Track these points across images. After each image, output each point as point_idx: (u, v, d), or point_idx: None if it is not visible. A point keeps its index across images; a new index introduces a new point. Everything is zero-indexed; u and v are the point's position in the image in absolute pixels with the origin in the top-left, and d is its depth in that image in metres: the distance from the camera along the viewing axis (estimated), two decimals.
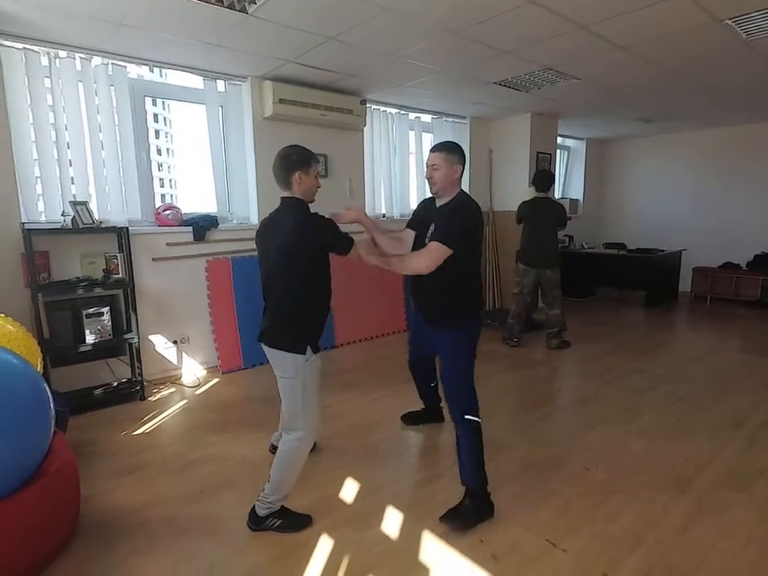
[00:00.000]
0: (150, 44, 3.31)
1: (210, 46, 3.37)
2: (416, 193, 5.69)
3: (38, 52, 3.22)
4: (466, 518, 2.06)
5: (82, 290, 3.30)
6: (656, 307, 6.45)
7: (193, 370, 4.06)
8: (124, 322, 3.58)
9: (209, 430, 3.04)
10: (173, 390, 3.75)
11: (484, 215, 6.22)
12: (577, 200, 7.85)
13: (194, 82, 4.03)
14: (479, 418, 2.20)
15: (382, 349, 4.74)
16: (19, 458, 1.78)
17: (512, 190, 6.00)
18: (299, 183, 2.01)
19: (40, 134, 3.30)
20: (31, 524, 1.78)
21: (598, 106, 5.46)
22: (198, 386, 3.83)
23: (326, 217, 2.02)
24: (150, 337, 3.83)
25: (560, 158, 7.70)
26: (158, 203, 4.02)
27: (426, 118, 5.66)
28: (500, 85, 4.47)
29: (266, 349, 2.07)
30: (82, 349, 3.28)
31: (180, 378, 3.97)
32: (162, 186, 43.62)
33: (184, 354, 4.05)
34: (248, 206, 4.40)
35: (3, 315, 2.59)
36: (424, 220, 2.30)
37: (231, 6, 2.72)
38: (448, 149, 2.19)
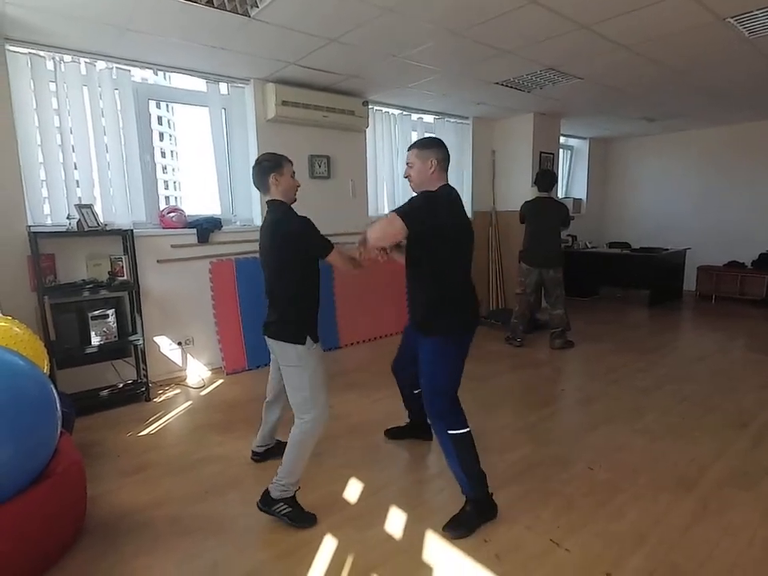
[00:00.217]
0: (154, 48, 3.34)
1: (212, 50, 3.39)
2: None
3: (43, 57, 3.26)
4: (469, 524, 2.05)
5: (88, 293, 3.33)
6: (660, 306, 6.42)
7: (197, 371, 4.09)
8: (129, 323, 3.61)
9: (213, 430, 3.06)
10: (178, 391, 3.77)
11: (486, 216, 6.31)
12: (580, 199, 7.83)
13: (197, 84, 4.06)
14: (463, 428, 2.07)
15: (385, 349, 4.74)
16: (27, 458, 1.80)
17: (515, 190, 5.99)
18: (276, 184, 2.17)
19: (45, 138, 3.34)
20: (38, 523, 1.80)
21: (601, 106, 5.45)
22: (203, 386, 3.85)
23: (307, 220, 2.13)
24: (155, 338, 3.86)
25: (563, 157, 7.69)
26: (162, 205, 4.05)
27: (429, 118, 5.67)
28: (502, 85, 4.48)
29: (269, 341, 2.22)
30: (88, 350, 3.32)
31: (185, 379, 4.00)
32: (167, 188, 43.86)
33: (189, 355, 4.07)
34: (251, 207, 4.42)
35: (10, 317, 2.61)
36: None
37: (234, 10, 2.75)
38: (421, 145, 2.11)
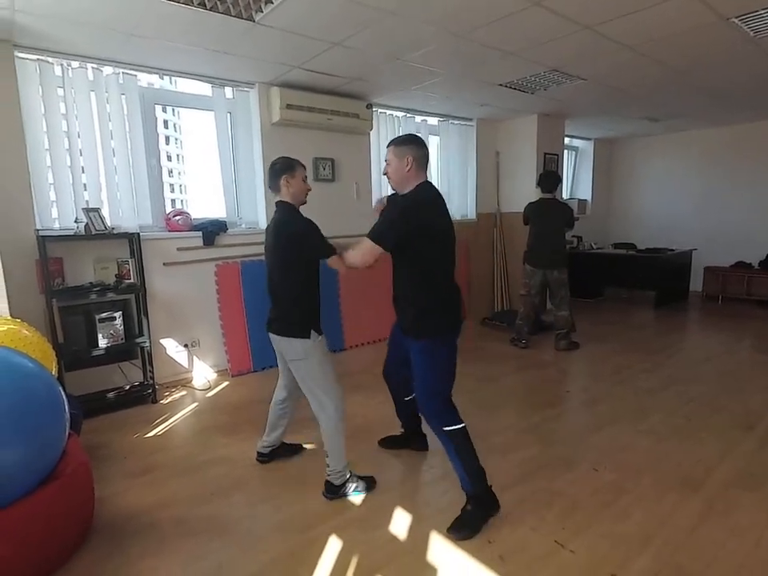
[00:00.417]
0: (160, 53, 3.38)
1: (217, 54, 3.42)
2: None
3: (51, 63, 3.30)
4: (472, 524, 2.04)
5: (95, 295, 3.36)
6: (666, 307, 6.39)
7: (203, 373, 4.11)
8: (136, 326, 3.64)
9: (219, 432, 3.08)
10: (184, 392, 3.80)
11: (491, 217, 6.32)
12: (585, 200, 7.79)
13: (203, 89, 4.10)
14: (458, 424, 2.08)
15: None
16: (35, 459, 1.82)
17: (519, 192, 5.99)
18: (287, 186, 2.27)
19: (53, 142, 3.38)
20: (47, 524, 1.82)
21: (604, 106, 5.44)
22: (209, 388, 3.87)
23: (311, 222, 2.20)
24: (162, 341, 3.89)
25: (568, 158, 7.68)
26: (169, 209, 4.09)
27: (433, 120, 5.68)
28: (506, 87, 4.48)
29: (274, 337, 2.32)
30: (95, 353, 3.34)
31: (191, 381, 4.02)
32: (172, 191, 44.16)
33: (194, 357, 4.10)
34: (256, 210, 4.45)
35: (19, 320, 2.65)
36: None
37: (239, 15, 2.77)
38: (398, 142, 2.09)
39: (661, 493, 2.28)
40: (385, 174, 2.16)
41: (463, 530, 2.03)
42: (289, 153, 4.43)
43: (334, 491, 2.30)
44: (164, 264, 3.85)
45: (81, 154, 3.50)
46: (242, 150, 4.32)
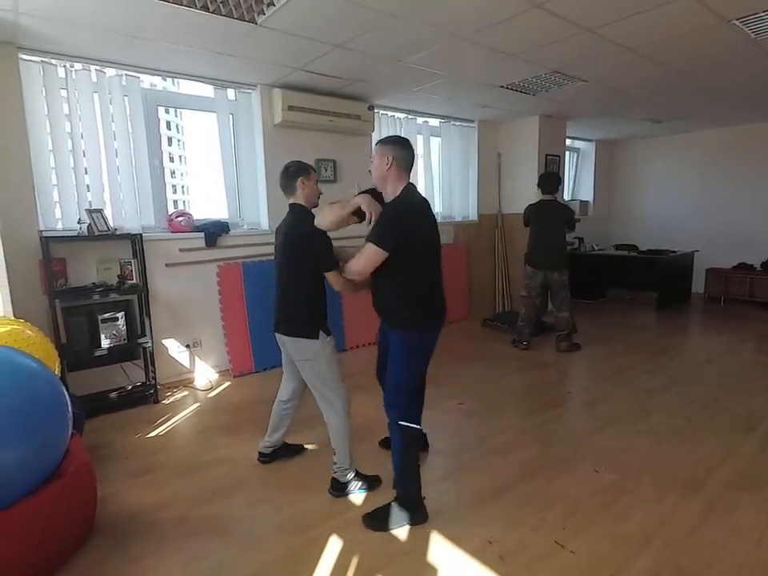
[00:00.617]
0: (163, 55, 3.40)
1: (220, 56, 3.44)
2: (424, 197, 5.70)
3: (54, 65, 3.33)
4: (386, 519, 2.07)
5: (98, 296, 3.38)
6: (668, 309, 6.38)
7: (205, 374, 4.12)
8: (138, 326, 3.65)
9: (221, 432, 3.09)
10: (185, 393, 3.81)
11: (492, 218, 6.32)
12: (587, 202, 7.81)
13: (205, 90, 4.12)
14: (414, 423, 2.12)
15: None
16: (38, 458, 1.83)
17: (521, 193, 6.00)
18: (303, 188, 2.34)
19: (57, 143, 3.41)
20: (49, 523, 1.83)
21: (606, 108, 5.45)
22: (210, 389, 3.89)
23: (325, 234, 2.21)
24: (164, 341, 3.90)
25: (569, 159, 7.68)
26: (171, 210, 4.11)
27: (434, 122, 5.69)
28: (507, 88, 4.49)
29: (282, 338, 2.35)
30: (98, 353, 3.36)
31: (192, 381, 4.03)
32: (175, 192, 44.21)
33: (196, 357, 4.11)
34: (258, 211, 4.46)
35: (23, 320, 2.67)
36: None
37: (241, 17, 2.79)
38: (383, 142, 2.15)
39: (661, 493, 2.28)
40: (369, 171, 2.21)
41: (376, 521, 2.08)
42: (291, 154, 4.46)
43: (340, 488, 2.33)
44: (166, 265, 3.86)
45: (84, 155, 3.52)
46: (244, 151, 4.34)
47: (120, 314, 3.43)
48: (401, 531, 2.06)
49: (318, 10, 2.72)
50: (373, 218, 2.12)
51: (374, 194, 2.21)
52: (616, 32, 3.15)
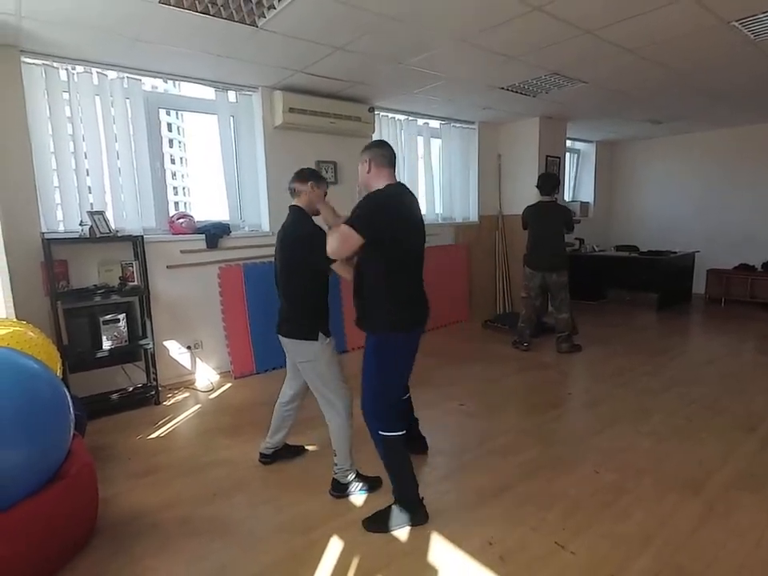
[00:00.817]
0: (164, 58, 3.41)
1: (221, 59, 3.46)
2: (424, 198, 5.72)
3: (56, 68, 3.34)
4: (386, 522, 2.07)
5: (99, 298, 3.40)
6: (669, 310, 6.38)
7: (206, 375, 4.13)
8: (139, 328, 3.66)
9: (222, 433, 3.10)
10: (187, 394, 3.82)
11: (493, 219, 6.32)
12: (587, 203, 7.82)
13: (206, 93, 4.13)
14: (395, 431, 2.08)
15: None
16: (41, 459, 1.84)
17: (521, 194, 6.00)
18: (312, 192, 2.36)
19: (59, 145, 3.43)
20: (51, 524, 1.84)
21: (606, 109, 5.46)
22: (211, 390, 3.90)
23: (320, 231, 2.22)
24: (165, 342, 3.91)
25: (570, 160, 7.69)
26: (172, 211, 4.12)
27: (435, 123, 5.71)
28: (508, 90, 4.50)
29: (283, 339, 2.36)
30: (99, 354, 3.37)
31: (194, 382, 4.04)
32: (176, 194, 44.27)
33: (197, 359, 4.12)
34: (259, 213, 4.47)
35: (25, 322, 2.68)
36: None
37: (242, 20, 2.80)
38: (361, 150, 2.16)
39: (661, 493, 2.28)
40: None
41: (376, 524, 2.08)
42: (291, 156, 4.49)
43: (341, 489, 2.34)
44: (167, 266, 3.88)
45: (85, 157, 3.54)
46: (244, 153, 4.35)
47: (121, 316, 3.44)
48: (401, 532, 2.06)
49: (318, 12, 2.73)
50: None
51: None
52: (616, 34, 3.16)
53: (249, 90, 4.24)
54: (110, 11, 2.66)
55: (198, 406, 3.59)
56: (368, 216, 1.95)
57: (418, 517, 2.09)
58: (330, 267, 2.20)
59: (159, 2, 2.55)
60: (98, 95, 3.53)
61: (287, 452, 2.71)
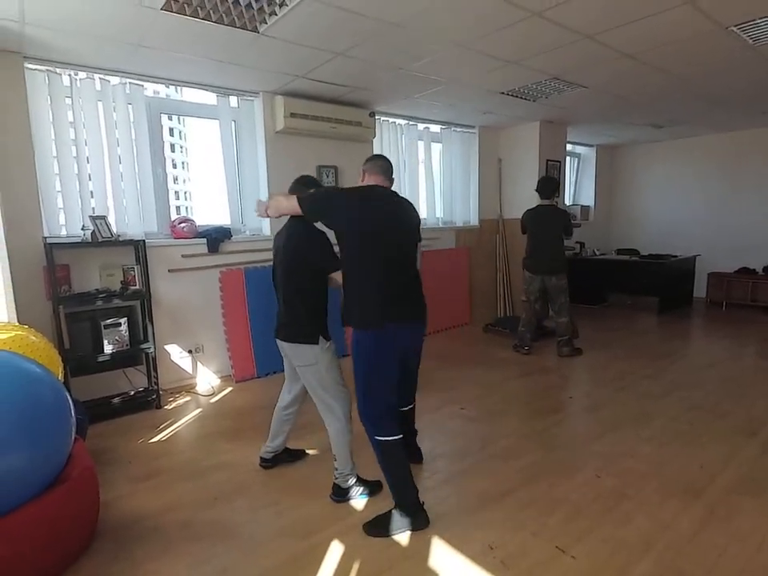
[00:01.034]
0: (166, 63, 3.44)
1: (223, 64, 3.48)
2: (425, 202, 5.74)
3: (59, 73, 3.37)
4: (386, 526, 2.06)
5: (101, 302, 3.41)
6: (670, 313, 6.38)
7: (207, 379, 4.14)
8: (141, 332, 3.67)
9: (223, 437, 3.10)
10: (188, 398, 3.82)
11: (493, 223, 6.33)
12: (588, 206, 7.84)
13: (208, 98, 4.16)
14: (390, 436, 2.09)
15: None
16: (42, 463, 1.85)
17: (521, 198, 6.01)
18: None
19: (61, 150, 3.45)
20: (53, 527, 1.84)
21: (606, 113, 5.48)
22: (212, 394, 3.90)
23: (323, 234, 2.26)
24: (166, 346, 3.92)
25: (570, 164, 7.71)
26: (174, 216, 4.14)
27: (435, 128, 5.73)
28: (508, 95, 4.52)
29: (282, 344, 2.35)
30: (101, 358, 3.38)
31: (195, 386, 4.05)
32: (177, 198, 44.44)
33: (198, 363, 4.13)
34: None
35: (27, 326, 2.69)
36: None
37: (243, 27, 2.83)
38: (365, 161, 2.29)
39: (663, 498, 2.28)
40: None
41: (376, 528, 2.07)
42: (292, 161, 4.51)
43: (342, 494, 2.33)
44: (169, 270, 3.89)
45: (88, 162, 3.56)
46: (246, 157, 4.37)
47: (123, 320, 3.45)
48: (402, 536, 2.06)
49: (319, 19, 2.75)
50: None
51: None
52: (615, 39, 3.18)
53: (250, 95, 4.26)
54: (113, 18, 2.68)
55: (199, 409, 3.60)
56: (319, 195, 2.14)
57: (419, 521, 2.09)
58: (330, 276, 2.25)
59: (161, 9, 2.57)
60: (100, 101, 3.55)
61: (288, 456, 2.72)
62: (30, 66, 3.25)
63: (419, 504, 2.12)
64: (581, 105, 4.98)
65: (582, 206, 7.72)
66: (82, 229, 3.37)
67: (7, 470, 1.72)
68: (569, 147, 6.84)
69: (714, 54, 3.52)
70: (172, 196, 4.28)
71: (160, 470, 2.71)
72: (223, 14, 2.67)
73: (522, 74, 3.88)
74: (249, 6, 2.59)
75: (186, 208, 44.56)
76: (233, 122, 4.27)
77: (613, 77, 4.02)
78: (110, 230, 3.41)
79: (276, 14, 2.69)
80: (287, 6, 2.59)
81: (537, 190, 4.74)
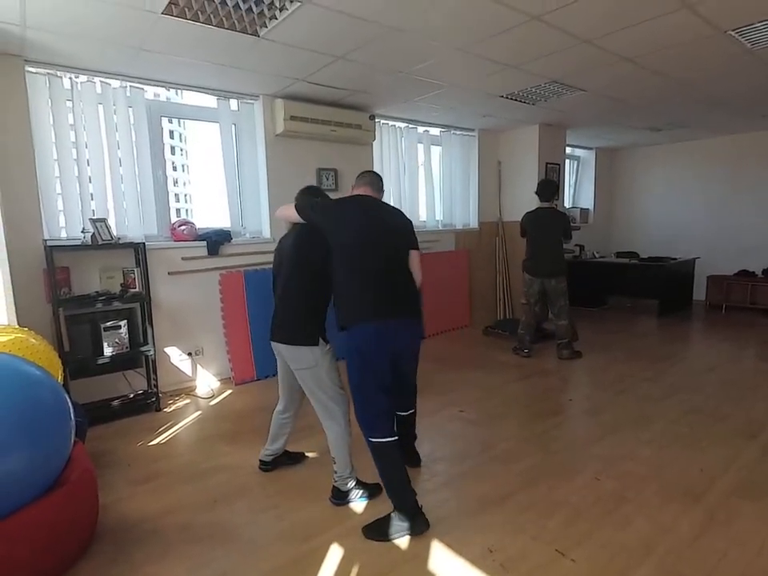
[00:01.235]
0: (167, 67, 3.45)
1: (223, 68, 3.49)
2: (425, 205, 5.75)
3: (60, 77, 3.38)
4: (385, 530, 2.06)
5: (101, 304, 3.41)
6: (670, 316, 6.38)
7: (207, 382, 4.13)
8: (140, 334, 3.67)
9: (222, 439, 3.10)
10: (187, 401, 3.82)
11: (493, 226, 6.34)
12: (587, 209, 7.85)
13: (208, 101, 4.17)
14: (383, 437, 2.10)
15: None
16: (42, 465, 1.85)
17: (521, 201, 6.01)
18: None
19: (62, 153, 3.46)
20: (52, 530, 1.84)
21: (605, 117, 5.49)
22: (212, 397, 3.90)
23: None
24: (166, 349, 3.92)
25: (570, 167, 7.73)
26: (174, 218, 4.14)
27: (435, 131, 5.74)
28: (507, 98, 4.54)
29: (281, 346, 2.33)
30: (101, 361, 3.38)
31: (194, 389, 4.05)
32: (177, 200, 44.42)
33: (198, 365, 4.13)
34: (260, 220, 4.49)
35: (26, 329, 2.69)
36: None
37: (243, 30, 2.84)
38: None
39: (662, 502, 2.27)
40: None
41: (375, 531, 2.07)
42: (292, 163, 4.53)
43: (341, 497, 2.33)
44: (169, 273, 3.89)
45: (88, 165, 3.56)
46: (246, 160, 4.38)
47: (122, 323, 3.45)
48: (401, 539, 2.06)
49: (319, 23, 2.77)
50: None
51: None
52: (614, 43, 3.19)
53: (250, 99, 4.27)
54: (114, 22, 2.69)
55: (199, 412, 3.59)
56: (315, 204, 2.29)
57: (418, 525, 2.08)
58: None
59: (162, 13, 2.58)
60: (100, 104, 3.56)
61: (287, 459, 2.71)
62: (31, 69, 3.26)
63: (418, 507, 2.11)
64: (580, 108, 4.99)
65: (581, 208, 7.73)
66: (82, 231, 3.37)
67: (7, 473, 1.72)
68: (568, 150, 6.86)
69: (713, 58, 3.53)
70: (172, 198, 4.28)
71: (159, 472, 2.70)
72: (223, 18, 2.69)
73: (521, 77, 3.89)
74: (249, 10, 2.60)
75: (186, 210, 44.53)
76: (233, 125, 4.28)
77: (612, 80, 4.03)
78: (110, 233, 3.41)
79: (276, 18, 2.70)
80: (287, 10, 2.60)
81: (536, 193, 4.75)
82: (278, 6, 2.57)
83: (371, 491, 2.36)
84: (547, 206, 4.66)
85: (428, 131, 5.65)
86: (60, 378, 2.61)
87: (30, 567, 1.77)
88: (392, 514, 2.10)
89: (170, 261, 3.89)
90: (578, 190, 7.98)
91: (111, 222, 3.56)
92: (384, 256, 2.17)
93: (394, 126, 5.30)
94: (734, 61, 3.59)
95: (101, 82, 3.53)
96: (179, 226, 3.97)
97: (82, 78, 3.46)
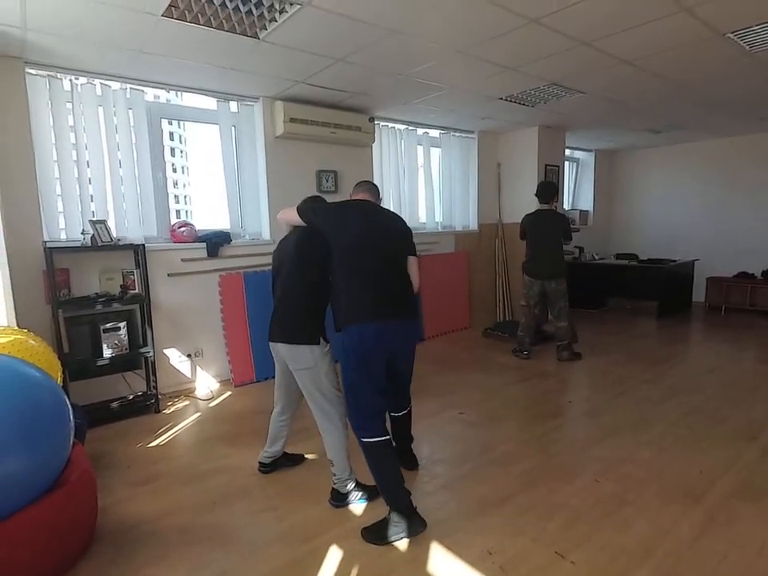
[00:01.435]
0: (167, 69, 3.45)
1: (223, 70, 3.50)
2: (425, 207, 5.76)
3: (60, 78, 3.39)
4: (382, 533, 2.05)
5: (100, 306, 3.41)
6: (669, 318, 6.38)
7: (206, 383, 4.13)
8: (140, 336, 3.67)
9: (222, 441, 3.10)
10: (187, 402, 3.82)
11: (492, 228, 6.35)
12: (587, 211, 7.86)
13: (208, 103, 4.17)
14: (375, 437, 2.11)
15: None
16: (41, 467, 1.85)
17: (520, 203, 6.03)
18: None
19: (61, 155, 3.46)
20: (51, 531, 1.84)
21: (605, 119, 5.50)
22: (212, 398, 3.89)
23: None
24: (165, 351, 3.92)
25: (569, 169, 7.74)
26: (174, 220, 4.14)
27: (434, 133, 5.75)
28: (506, 100, 4.55)
29: (280, 346, 2.33)
30: (100, 363, 3.38)
31: (194, 390, 4.04)
32: (177, 202, 44.44)
33: (198, 367, 4.12)
34: (260, 222, 4.49)
35: (26, 330, 2.69)
36: None
37: (244, 33, 2.85)
38: None
39: (662, 503, 2.27)
40: None
41: (373, 534, 2.07)
42: (292, 165, 4.54)
43: (341, 499, 2.32)
44: (168, 275, 3.89)
45: (88, 166, 3.57)
46: (246, 162, 4.39)
47: (122, 324, 3.45)
48: (401, 541, 2.05)
49: (318, 25, 2.77)
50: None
51: None
52: (613, 45, 3.20)
53: (250, 101, 4.28)
54: (115, 24, 2.70)
55: (198, 414, 3.59)
56: (317, 207, 2.33)
57: (414, 525, 2.08)
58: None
59: (162, 16, 2.59)
60: (101, 105, 3.57)
61: (286, 460, 2.71)
62: (31, 71, 3.26)
63: (412, 507, 2.10)
64: (579, 110, 5.00)
65: (580, 210, 7.74)
66: (82, 233, 3.38)
67: (6, 474, 1.72)
68: (567, 152, 6.87)
69: (712, 61, 3.54)
70: (172, 200, 4.28)
71: (159, 474, 2.70)
72: (224, 21, 2.69)
73: (520, 79, 3.90)
74: (249, 12, 2.61)
75: (186, 212, 44.58)
76: (233, 127, 4.28)
77: (611, 83, 4.04)
78: (109, 234, 3.41)
79: (276, 21, 2.71)
80: (287, 12, 2.61)
81: (536, 195, 4.75)
82: (277, 8, 2.57)
83: (370, 493, 2.35)
84: (547, 208, 4.67)
85: (427, 133, 5.66)
86: (59, 380, 2.60)
87: (30, 569, 1.76)
88: (388, 517, 2.09)
89: (170, 262, 3.89)
90: (578, 192, 7.99)
91: (111, 223, 3.56)
92: (383, 258, 2.19)
93: (394, 127, 5.31)
94: (732, 63, 3.60)
95: (101, 83, 3.54)
96: (179, 228, 3.97)
97: (82, 79, 3.47)
